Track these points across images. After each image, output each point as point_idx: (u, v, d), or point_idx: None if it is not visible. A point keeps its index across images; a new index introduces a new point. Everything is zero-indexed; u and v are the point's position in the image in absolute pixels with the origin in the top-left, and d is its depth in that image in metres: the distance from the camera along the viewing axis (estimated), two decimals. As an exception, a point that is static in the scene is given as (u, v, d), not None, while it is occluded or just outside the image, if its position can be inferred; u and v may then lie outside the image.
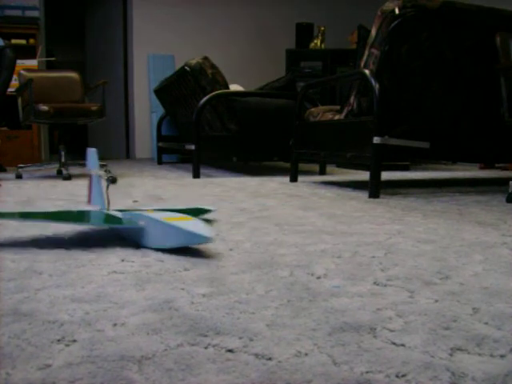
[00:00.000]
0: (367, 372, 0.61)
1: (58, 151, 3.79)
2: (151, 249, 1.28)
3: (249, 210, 1.98)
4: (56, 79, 3.96)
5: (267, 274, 1.04)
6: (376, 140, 2.34)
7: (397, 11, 2.39)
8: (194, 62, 3.89)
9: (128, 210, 1.48)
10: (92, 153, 1.55)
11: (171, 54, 6.48)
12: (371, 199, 2.33)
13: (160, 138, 5.61)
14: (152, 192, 2.63)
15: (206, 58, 3.91)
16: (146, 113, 6.51)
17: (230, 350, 0.67)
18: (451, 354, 0.66)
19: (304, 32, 6.39)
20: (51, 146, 6.69)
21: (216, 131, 4.07)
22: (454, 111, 2.60)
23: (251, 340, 0.70)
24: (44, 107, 3.44)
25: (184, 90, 4.25)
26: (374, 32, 2.50)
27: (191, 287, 0.95)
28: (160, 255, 1.21)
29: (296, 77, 4.54)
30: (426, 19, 2.43)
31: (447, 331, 0.73)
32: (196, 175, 3.61)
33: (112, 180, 1.46)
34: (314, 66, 6.39)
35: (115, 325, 0.76)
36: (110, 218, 1.39)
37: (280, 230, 1.53)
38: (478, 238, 1.42)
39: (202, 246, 1.31)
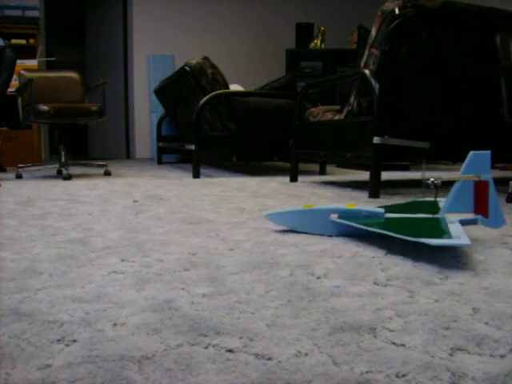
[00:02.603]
0: (367, 372, 0.61)
1: (58, 151, 3.79)
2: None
3: (249, 209, 1.98)
4: (56, 79, 3.96)
5: (267, 274, 1.04)
6: (376, 140, 2.34)
7: (397, 11, 2.39)
8: (194, 61, 3.89)
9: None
10: (485, 156, 1.33)
11: (171, 53, 6.49)
12: (371, 199, 2.33)
13: (160, 138, 5.61)
14: (152, 192, 2.63)
15: (206, 58, 3.91)
16: (146, 113, 6.51)
17: (230, 350, 0.67)
18: (451, 354, 0.66)
19: (304, 32, 6.39)
20: (51, 146, 6.69)
21: (216, 131, 4.07)
22: (453, 111, 2.60)
23: (251, 340, 0.70)
24: (44, 107, 3.44)
25: (184, 90, 4.25)
26: (374, 32, 2.50)
27: (191, 287, 0.95)
28: (160, 255, 1.21)
29: (296, 77, 4.54)
30: (426, 19, 2.43)
31: (447, 331, 0.73)
32: (196, 175, 3.61)
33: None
34: (314, 66, 6.39)
35: (115, 325, 0.76)
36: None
37: (280, 230, 1.53)
38: (477, 238, 1.42)
39: (201, 246, 1.31)
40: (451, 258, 1.19)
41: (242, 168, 4.78)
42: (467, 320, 0.78)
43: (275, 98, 3.91)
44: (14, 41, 5.06)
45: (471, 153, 1.33)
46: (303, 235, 1.46)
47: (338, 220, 1.41)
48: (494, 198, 1.31)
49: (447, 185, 1.43)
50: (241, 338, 0.71)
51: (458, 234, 1.18)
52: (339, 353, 0.66)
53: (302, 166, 4.90)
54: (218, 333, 0.73)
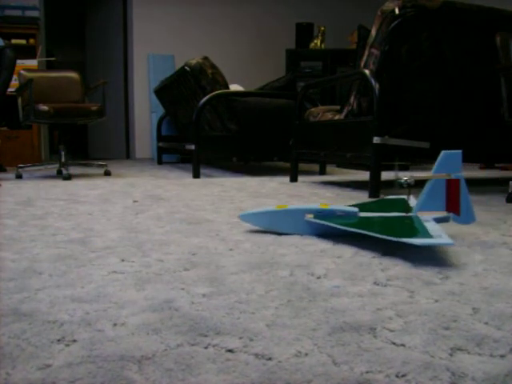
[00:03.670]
0: (367, 372, 0.61)
1: (58, 151, 3.79)
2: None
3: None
4: (56, 79, 3.96)
5: (267, 274, 1.04)
6: (376, 140, 2.34)
7: (397, 11, 2.39)
8: (193, 61, 3.89)
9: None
10: (456, 156, 1.37)
11: (171, 54, 6.49)
12: (371, 199, 2.33)
13: (160, 138, 5.61)
14: (152, 192, 2.63)
15: (205, 58, 3.91)
16: (146, 113, 6.51)
17: (230, 350, 0.67)
18: (451, 354, 0.66)
19: (304, 32, 6.39)
20: (51, 146, 6.69)
21: (216, 131, 4.07)
22: (453, 111, 2.60)
23: (251, 340, 0.70)
24: (44, 107, 3.44)
25: (184, 90, 4.25)
26: (374, 32, 2.50)
27: (191, 287, 0.95)
28: (160, 255, 1.21)
29: (296, 77, 4.54)
30: (426, 19, 2.43)
31: (447, 331, 0.73)
32: (196, 175, 3.61)
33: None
34: (314, 66, 6.39)
35: (115, 325, 0.76)
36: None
37: (280, 230, 1.53)
38: (478, 238, 1.42)
39: (201, 246, 1.31)
40: (451, 258, 1.19)
41: (242, 168, 4.78)
42: (467, 320, 0.78)
43: (275, 97, 3.91)
44: (14, 41, 5.06)
45: (443, 152, 1.37)
46: (303, 235, 1.46)
47: (314, 220, 1.42)
48: (465, 195, 1.37)
49: (420, 184, 1.46)
50: (241, 338, 0.71)
51: (438, 233, 1.19)
52: (339, 353, 0.66)
53: (302, 165, 4.90)
54: (218, 333, 0.73)
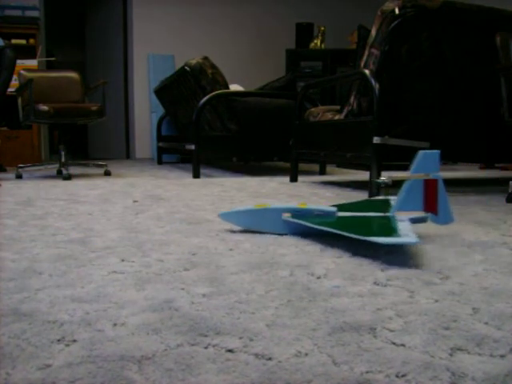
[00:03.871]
0: (367, 372, 0.61)
1: (58, 151, 3.79)
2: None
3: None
4: (56, 79, 3.96)
5: (267, 274, 1.04)
6: (376, 140, 2.34)
7: (397, 11, 2.39)
8: (194, 61, 3.89)
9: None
10: (434, 155, 1.36)
11: (171, 54, 6.48)
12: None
13: (160, 138, 5.61)
14: (152, 192, 2.63)
15: (205, 58, 3.91)
16: (146, 113, 6.51)
17: (230, 350, 0.67)
18: (451, 354, 0.66)
19: (304, 32, 6.39)
20: (51, 146, 6.69)
21: (216, 131, 4.07)
22: (453, 111, 2.60)
23: (251, 340, 0.70)
24: (44, 107, 3.44)
25: (184, 89, 4.25)
26: (374, 32, 2.50)
27: (191, 287, 0.95)
28: (160, 255, 1.21)
29: (296, 77, 4.54)
30: (426, 19, 2.42)
31: (447, 331, 0.73)
32: (196, 175, 3.61)
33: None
34: (314, 66, 6.39)
35: (115, 325, 0.76)
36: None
37: (280, 230, 1.53)
38: (478, 238, 1.42)
39: (201, 246, 1.31)
40: (451, 258, 1.19)
41: (242, 168, 4.78)
42: (467, 320, 0.78)
43: (275, 97, 3.91)
44: (14, 41, 5.06)
45: (420, 152, 1.36)
46: (303, 235, 1.46)
47: (291, 219, 1.43)
48: (443, 195, 1.35)
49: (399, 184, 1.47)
50: (241, 338, 0.71)
51: (405, 232, 1.20)
52: (339, 353, 0.66)
53: (302, 165, 4.90)
54: (218, 333, 0.73)
